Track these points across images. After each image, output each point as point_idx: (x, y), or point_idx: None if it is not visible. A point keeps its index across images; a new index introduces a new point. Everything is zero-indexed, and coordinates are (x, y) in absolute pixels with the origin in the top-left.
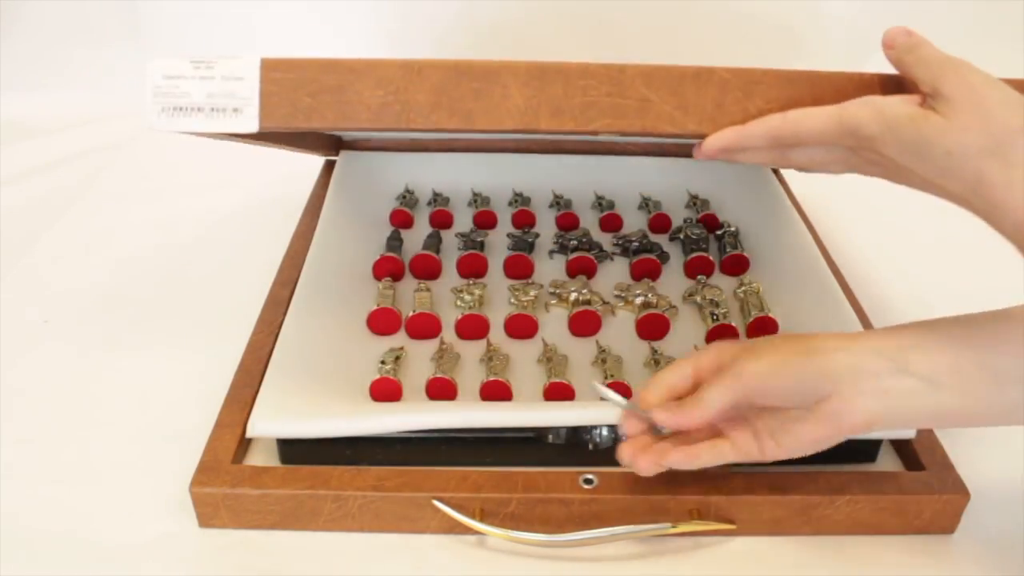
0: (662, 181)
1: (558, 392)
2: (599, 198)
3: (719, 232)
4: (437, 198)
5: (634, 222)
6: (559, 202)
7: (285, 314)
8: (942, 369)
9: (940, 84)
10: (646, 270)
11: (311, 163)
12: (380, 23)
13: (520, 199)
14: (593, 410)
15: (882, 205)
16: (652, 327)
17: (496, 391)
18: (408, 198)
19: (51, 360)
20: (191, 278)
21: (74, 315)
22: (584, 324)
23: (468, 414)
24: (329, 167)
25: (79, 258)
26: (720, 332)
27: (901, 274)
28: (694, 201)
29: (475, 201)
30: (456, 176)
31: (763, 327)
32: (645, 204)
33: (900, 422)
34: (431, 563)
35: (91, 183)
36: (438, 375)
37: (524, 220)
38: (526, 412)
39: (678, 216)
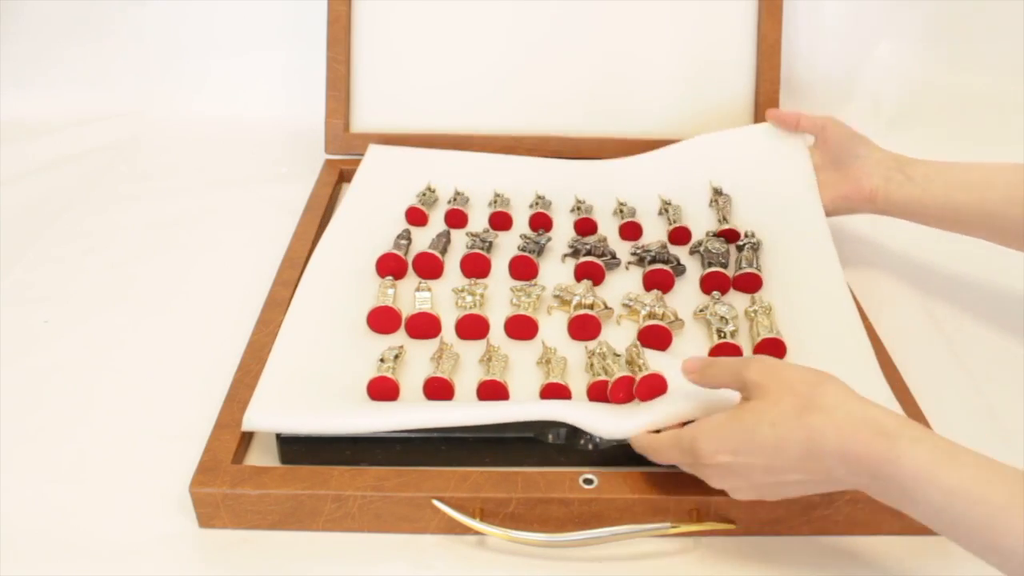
0: (684, 182)
1: (554, 393)
2: (621, 205)
3: (739, 243)
4: (457, 197)
5: (655, 229)
6: (580, 207)
7: (286, 313)
8: (919, 172)
9: (745, 376)
10: (657, 281)
11: (311, 163)
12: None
13: (541, 202)
14: (588, 410)
15: (915, 241)
16: (654, 338)
17: (493, 391)
18: (428, 196)
19: (51, 360)
20: (191, 278)
21: (74, 315)
22: (583, 328)
23: (466, 412)
24: (330, 167)
25: (79, 258)
26: (722, 350)
27: (925, 310)
28: (716, 198)
29: (495, 202)
30: (481, 177)
31: (770, 348)
32: (665, 209)
33: (891, 201)
34: (431, 563)
35: (91, 183)
36: (436, 375)
37: (540, 223)
38: (518, 408)
39: (701, 218)
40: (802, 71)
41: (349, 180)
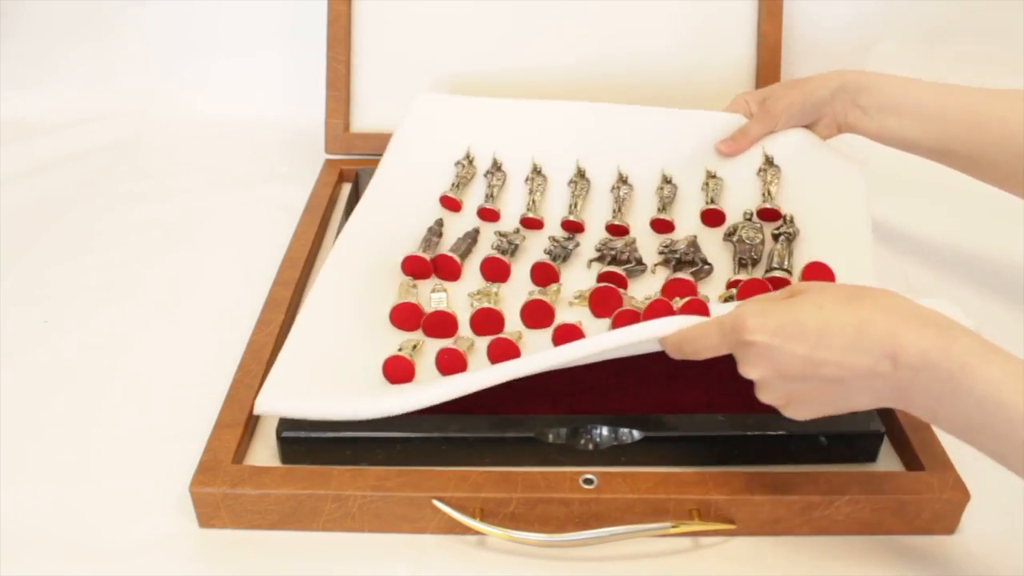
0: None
1: (567, 334)
2: (665, 180)
3: (776, 231)
4: (496, 171)
5: (694, 207)
6: (620, 187)
7: (286, 314)
8: (874, 103)
9: (791, 289)
10: (677, 291)
11: (311, 163)
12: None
13: (581, 179)
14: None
15: (919, 240)
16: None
17: (504, 349)
18: (464, 168)
19: (51, 360)
20: (191, 278)
21: (74, 315)
22: (602, 308)
23: (481, 376)
24: (330, 167)
25: (79, 258)
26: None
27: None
28: (766, 167)
29: (531, 179)
30: (523, 135)
31: None
32: (707, 184)
33: (857, 133)
34: (431, 563)
35: (91, 183)
36: (450, 347)
37: (571, 227)
38: (543, 358)
39: (745, 190)
40: (802, 71)
41: (349, 180)
